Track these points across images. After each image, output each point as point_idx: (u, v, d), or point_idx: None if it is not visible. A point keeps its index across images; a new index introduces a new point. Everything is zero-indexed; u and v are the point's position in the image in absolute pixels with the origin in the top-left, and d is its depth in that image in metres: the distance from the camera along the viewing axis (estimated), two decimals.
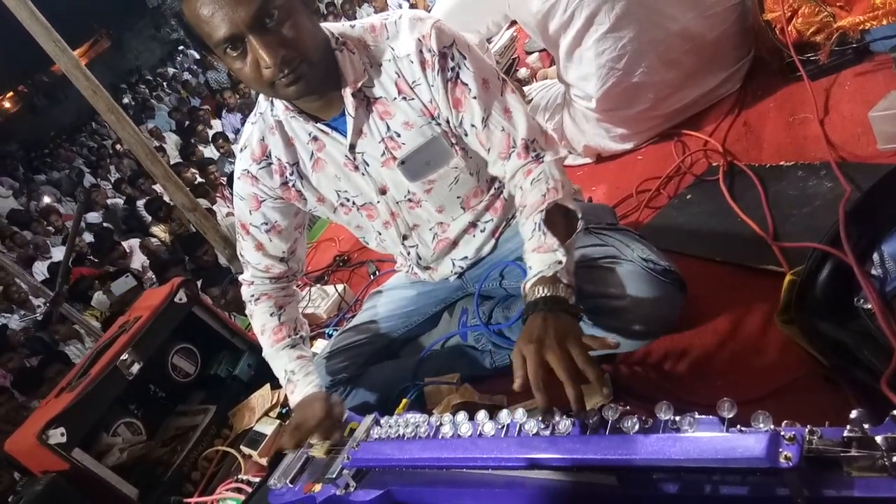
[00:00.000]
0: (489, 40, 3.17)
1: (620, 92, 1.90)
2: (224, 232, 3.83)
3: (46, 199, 10.23)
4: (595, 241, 1.32)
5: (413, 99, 1.28)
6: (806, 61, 1.70)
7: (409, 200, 1.43)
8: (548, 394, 0.95)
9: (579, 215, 1.18)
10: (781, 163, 1.57)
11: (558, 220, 1.16)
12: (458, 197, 1.45)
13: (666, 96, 1.93)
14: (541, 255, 1.11)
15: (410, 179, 1.38)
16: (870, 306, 0.95)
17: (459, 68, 1.24)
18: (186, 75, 13.73)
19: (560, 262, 1.08)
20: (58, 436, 1.64)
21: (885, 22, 1.53)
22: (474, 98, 1.25)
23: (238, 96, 8.96)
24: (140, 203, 7.51)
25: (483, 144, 1.30)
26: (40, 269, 6.84)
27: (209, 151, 7.73)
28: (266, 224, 1.48)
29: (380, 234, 1.54)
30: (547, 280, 1.06)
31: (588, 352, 0.97)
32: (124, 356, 1.84)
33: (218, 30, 1.07)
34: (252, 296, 1.57)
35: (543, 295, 1.05)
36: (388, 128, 1.31)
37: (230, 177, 5.87)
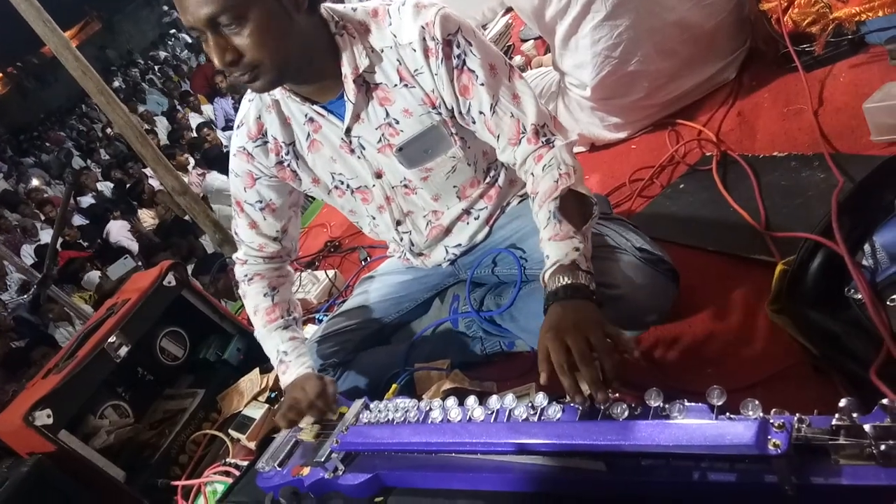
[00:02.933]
0: (484, 27, 3.16)
1: (615, 81, 1.89)
2: (214, 216, 3.81)
3: (35, 182, 10.15)
4: None
5: (414, 87, 1.27)
6: (801, 52, 1.69)
7: (405, 187, 1.42)
8: (574, 378, 0.94)
9: (593, 200, 1.17)
10: (775, 153, 1.57)
11: (572, 206, 1.15)
12: (454, 186, 1.44)
13: (661, 85, 1.92)
14: (557, 244, 1.09)
15: (407, 167, 1.37)
16: (860, 296, 0.95)
17: (465, 55, 1.22)
18: (184, 53, 13.60)
19: (577, 249, 1.06)
20: (44, 417, 1.63)
21: (880, 13, 1.53)
22: (482, 84, 1.23)
23: (225, 77, 8.88)
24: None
25: (492, 131, 1.28)
26: (28, 252, 6.79)
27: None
28: (260, 202, 1.47)
29: (373, 218, 1.53)
30: (565, 268, 1.05)
31: (608, 340, 0.96)
32: (112, 339, 1.82)
33: (183, 16, 1.12)
34: (245, 275, 1.56)
35: (563, 283, 1.04)
36: (388, 114, 1.30)
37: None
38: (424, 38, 1.21)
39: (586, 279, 1.04)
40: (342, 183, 1.45)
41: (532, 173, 1.25)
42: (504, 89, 1.25)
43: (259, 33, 1.11)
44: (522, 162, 1.28)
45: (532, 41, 2.93)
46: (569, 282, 1.04)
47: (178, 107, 9.43)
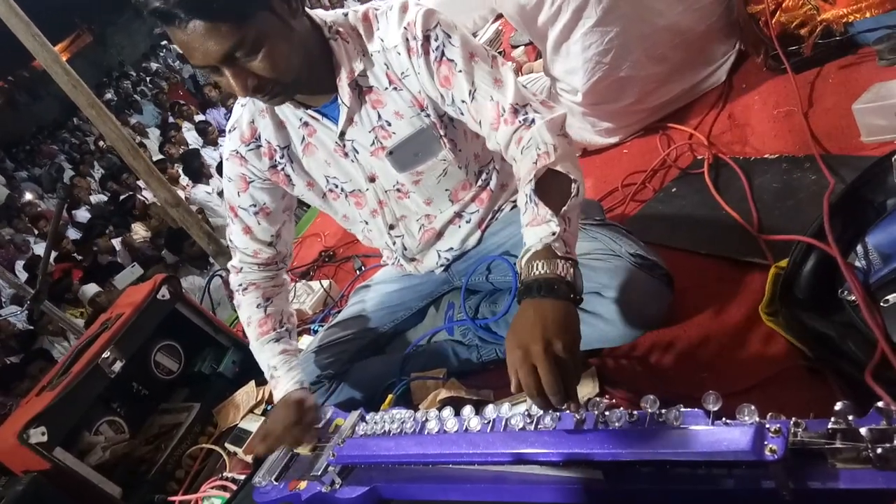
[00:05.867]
0: (475, 34, 3.16)
1: (607, 86, 1.89)
2: (207, 228, 3.79)
3: (28, 196, 10.12)
4: (583, 236, 1.31)
5: (402, 90, 1.27)
6: (790, 54, 1.69)
7: (398, 191, 1.42)
8: (545, 398, 0.89)
9: (573, 177, 1.08)
10: (766, 155, 1.57)
11: (551, 187, 1.06)
12: (445, 189, 1.44)
13: (652, 90, 1.92)
14: (534, 229, 1.01)
15: (399, 170, 1.37)
16: (854, 298, 0.95)
17: (444, 46, 1.21)
18: (176, 64, 13.61)
19: (554, 234, 0.98)
20: (39, 435, 1.62)
21: (868, 14, 1.53)
22: (460, 72, 1.21)
23: (219, 91, 8.89)
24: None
25: (475, 119, 1.25)
26: (21, 268, 6.76)
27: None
28: (254, 206, 1.47)
29: (366, 223, 1.53)
30: (541, 255, 0.97)
31: (577, 360, 0.91)
32: (106, 354, 1.81)
33: (193, 58, 1.10)
34: (240, 285, 1.55)
35: (538, 274, 0.96)
36: (380, 116, 1.30)
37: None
38: (407, 39, 1.21)
39: (564, 267, 0.96)
40: (336, 186, 1.45)
41: (515, 158, 1.20)
42: (485, 75, 1.21)
43: (272, 54, 1.11)
44: (506, 146, 1.22)
45: (522, 47, 2.94)
46: (545, 272, 0.96)
47: (172, 119, 9.42)
